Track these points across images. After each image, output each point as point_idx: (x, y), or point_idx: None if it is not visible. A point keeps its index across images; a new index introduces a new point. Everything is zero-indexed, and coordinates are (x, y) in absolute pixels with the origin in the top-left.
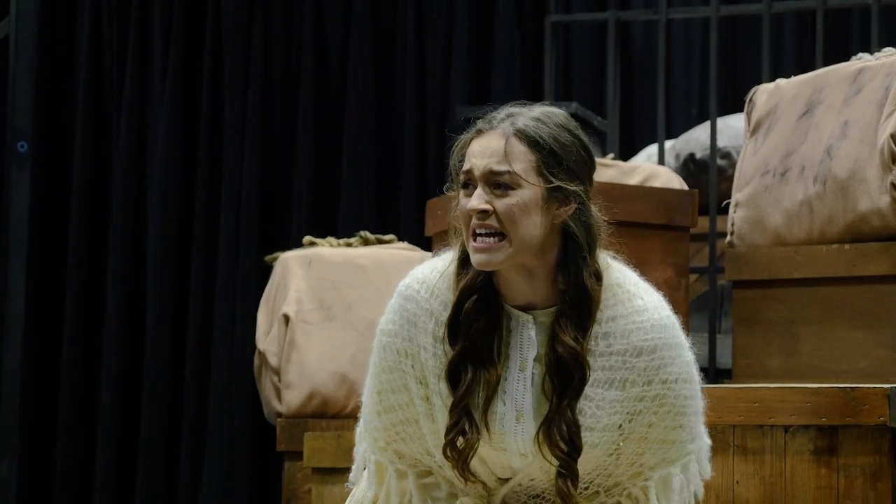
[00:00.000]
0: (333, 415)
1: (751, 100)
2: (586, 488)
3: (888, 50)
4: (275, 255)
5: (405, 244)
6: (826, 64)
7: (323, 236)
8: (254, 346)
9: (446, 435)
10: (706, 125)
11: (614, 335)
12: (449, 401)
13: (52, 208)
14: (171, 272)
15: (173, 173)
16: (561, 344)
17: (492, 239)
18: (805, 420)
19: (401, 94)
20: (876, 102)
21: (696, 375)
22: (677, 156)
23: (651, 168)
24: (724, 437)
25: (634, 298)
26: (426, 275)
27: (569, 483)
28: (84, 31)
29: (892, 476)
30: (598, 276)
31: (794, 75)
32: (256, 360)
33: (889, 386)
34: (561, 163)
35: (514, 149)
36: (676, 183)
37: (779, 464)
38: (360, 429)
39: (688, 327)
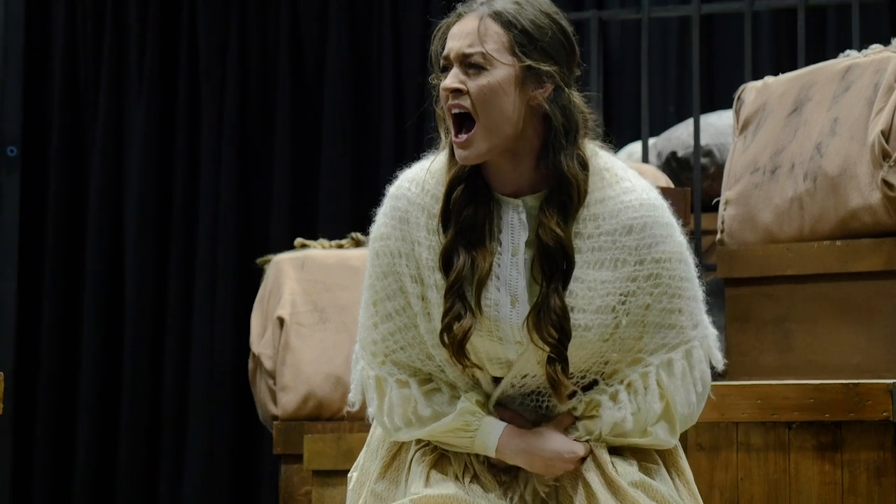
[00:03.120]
0: (329, 417)
1: (739, 98)
2: (583, 377)
3: (875, 47)
4: (267, 257)
5: None
6: (806, 62)
7: (301, 236)
8: (234, 348)
9: (442, 320)
10: (687, 123)
11: (603, 216)
12: (443, 290)
13: (35, 212)
14: (149, 274)
15: (151, 175)
16: (545, 230)
17: (468, 130)
18: (808, 416)
19: (376, 90)
20: (865, 99)
21: (690, 258)
22: (659, 154)
23: (637, 166)
24: (728, 435)
25: (622, 181)
26: (415, 173)
27: (558, 369)
28: (59, 33)
29: None
30: (583, 163)
31: (771, 73)
32: (251, 364)
33: (892, 381)
34: (534, 42)
35: (487, 29)
36: (663, 181)
37: (783, 460)
38: (357, 349)
39: None
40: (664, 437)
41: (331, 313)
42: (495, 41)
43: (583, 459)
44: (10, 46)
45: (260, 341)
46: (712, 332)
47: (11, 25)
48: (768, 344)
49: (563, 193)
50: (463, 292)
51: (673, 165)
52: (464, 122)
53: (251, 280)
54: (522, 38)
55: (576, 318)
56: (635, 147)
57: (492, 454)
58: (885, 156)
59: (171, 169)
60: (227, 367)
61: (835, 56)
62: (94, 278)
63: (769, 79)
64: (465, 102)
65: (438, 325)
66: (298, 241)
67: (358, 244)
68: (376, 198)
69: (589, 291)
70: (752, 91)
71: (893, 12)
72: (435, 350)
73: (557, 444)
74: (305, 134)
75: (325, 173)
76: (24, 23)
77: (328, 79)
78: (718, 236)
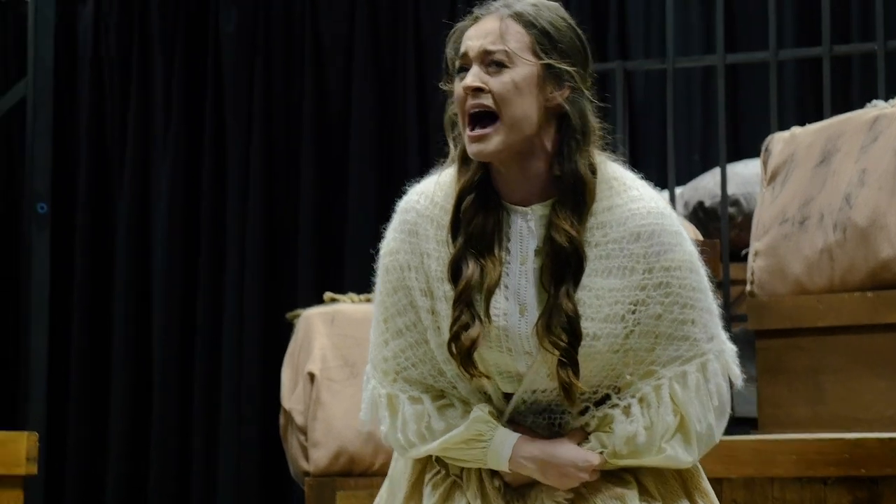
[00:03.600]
0: (361, 472)
1: (766, 148)
2: (595, 392)
3: None
4: (296, 312)
5: None
6: (832, 111)
7: (328, 289)
8: (262, 403)
9: (450, 329)
10: (713, 172)
11: (610, 224)
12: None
13: (63, 267)
14: (176, 329)
15: (176, 228)
16: (558, 231)
17: (485, 126)
18: (844, 471)
19: (403, 148)
20: (893, 150)
21: (701, 269)
22: (686, 204)
23: None
24: (763, 491)
25: (630, 189)
26: (424, 187)
27: (570, 372)
28: (85, 86)
29: None
30: (593, 169)
31: (796, 122)
32: (282, 419)
33: None
34: (553, 43)
35: (509, 28)
36: (690, 232)
37: None
38: (368, 369)
39: None
40: (681, 454)
41: (361, 368)
42: (517, 40)
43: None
44: (39, 103)
45: (291, 397)
46: (730, 347)
47: (40, 82)
48: (800, 396)
49: (576, 194)
50: (471, 301)
51: (700, 215)
52: (480, 120)
53: (278, 334)
54: (542, 39)
55: (584, 327)
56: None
57: (504, 466)
58: None
59: (196, 222)
60: (254, 422)
61: (860, 105)
62: (121, 334)
63: (796, 129)
64: (487, 101)
65: (448, 337)
66: (328, 295)
67: None
68: None
69: (597, 300)
70: (779, 142)
71: None
72: (446, 365)
73: (572, 453)
74: (330, 185)
75: (351, 225)
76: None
77: (353, 130)
78: (748, 287)
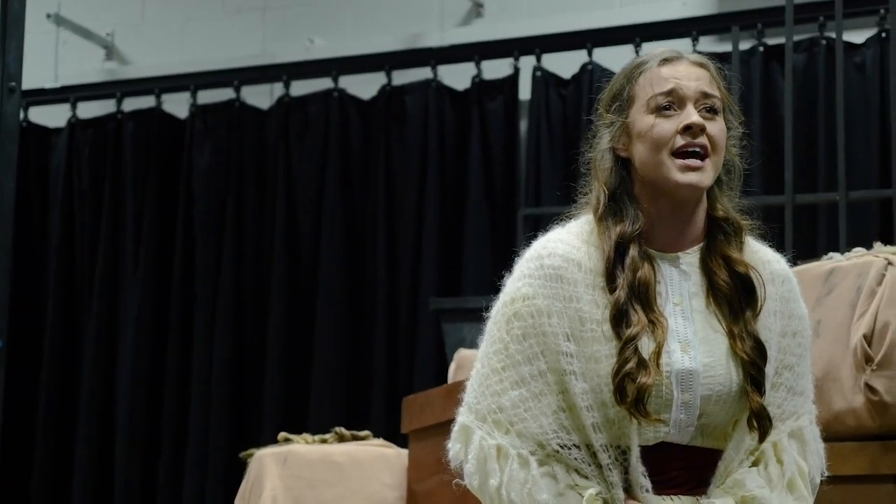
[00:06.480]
0: None
1: None
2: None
3: (858, 250)
4: (249, 451)
5: (381, 440)
6: (794, 261)
7: (291, 432)
8: None
9: (616, 373)
10: None
11: (753, 267)
12: (613, 342)
13: (22, 404)
14: (139, 468)
15: (142, 367)
16: (730, 263)
17: (699, 160)
18: None
19: (371, 288)
20: (848, 302)
21: None
22: None
23: None
24: None
25: (751, 243)
26: (556, 236)
27: (759, 396)
28: (56, 217)
29: None
30: None
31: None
32: None
33: None
34: (731, 105)
35: (714, 80)
36: None
37: None
38: (466, 421)
39: None
40: None
41: None
42: (721, 93)
43: None
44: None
45: None
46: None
47: (2, 214)
48: None
49: (735, 234)
50: (638, 348)
51: None
52: (692, 157)
53: (240, 475)
54: (729, 99)
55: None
56: None
57: None
58: (868, 360)
59: (163, 360)
60: None
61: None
62: (82, 472)
63: None
64: (705, 141)
65: (601, 381)
66: (282, 435)
67: (342, 439)
68: (367, 393)
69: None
70: None
71: (883, 211)
72: (586, 413)
73: None
74: (298, 323)
75: (317, 370)
76: (20, 207)
77: (322, 275)
78: None
